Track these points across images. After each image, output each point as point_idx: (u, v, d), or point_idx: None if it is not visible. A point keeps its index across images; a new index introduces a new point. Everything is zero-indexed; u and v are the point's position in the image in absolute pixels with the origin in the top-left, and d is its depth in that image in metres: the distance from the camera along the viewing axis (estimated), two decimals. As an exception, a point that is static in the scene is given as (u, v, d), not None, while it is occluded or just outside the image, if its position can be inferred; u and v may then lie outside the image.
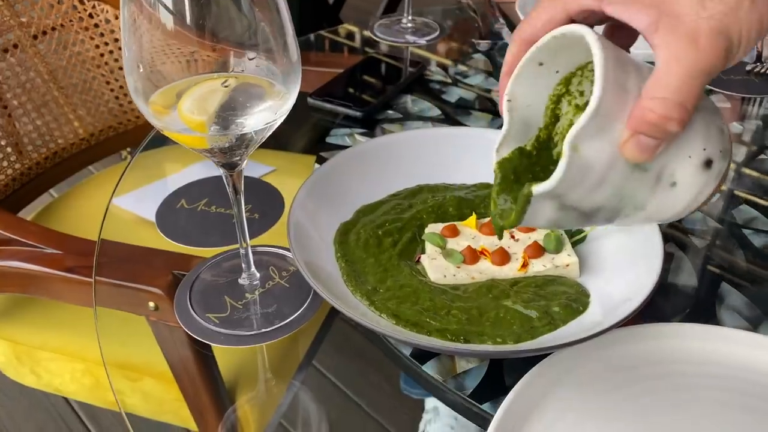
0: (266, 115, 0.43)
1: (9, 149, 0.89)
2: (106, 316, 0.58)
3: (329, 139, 0.74)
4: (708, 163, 0.38)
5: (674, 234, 0.60)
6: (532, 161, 0.42)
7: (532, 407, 0.41)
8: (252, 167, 0.71)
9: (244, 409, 0.50)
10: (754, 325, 0.51)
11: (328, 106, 0.78)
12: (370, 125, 0.77)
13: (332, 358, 0.52)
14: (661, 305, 0.53)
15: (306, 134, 0.78)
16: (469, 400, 0.45)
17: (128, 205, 0.67)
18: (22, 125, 0.92)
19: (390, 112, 0.79)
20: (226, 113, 0.43)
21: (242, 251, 0.51)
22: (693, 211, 0.40)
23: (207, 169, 0.68)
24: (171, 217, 0.62)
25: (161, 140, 0.74)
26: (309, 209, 0.54)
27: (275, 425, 0.48)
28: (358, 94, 0.80)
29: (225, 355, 0.51)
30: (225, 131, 0.42)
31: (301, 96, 0.79)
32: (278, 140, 0.76)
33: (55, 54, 0.93)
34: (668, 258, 0.57)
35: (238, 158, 0.45)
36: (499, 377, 0.47)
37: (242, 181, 0.47)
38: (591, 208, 0.38)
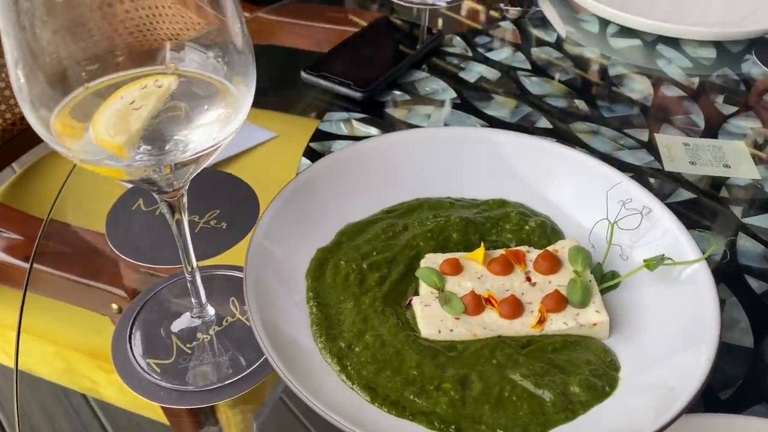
0: (212, 129, 0.33)
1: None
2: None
3: (322, 126, 0.63)
4: None
5: (725, 272, 0.49)
6: None
7: None
8: (251, 132, 0.61)
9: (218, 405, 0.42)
10: (824, 409, 0.41)
11: (325, 83, 0.67)
12: (372, 108, 0.65)
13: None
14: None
15: (290, 111, 0.67)
16: (459, 497, 0.36)
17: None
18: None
19: (397, 92, 0.68)
20: (155, 129, 0.32)
21: (189, 279, 0.41)
22: None
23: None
24: (124, 223, 0.52)
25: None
26: (280, 231, 0.44)
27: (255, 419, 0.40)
28: (361, 70, 0.68)
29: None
30: (153, 156, 0.32)
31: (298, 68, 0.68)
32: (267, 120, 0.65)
33: None
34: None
35: (177, 186, 0.35)
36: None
37: (185, 199, 0.37)
38: None
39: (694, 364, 0.36)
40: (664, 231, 0.44)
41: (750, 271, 0.50)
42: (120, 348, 0.43)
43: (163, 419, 0.57)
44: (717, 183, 0.58)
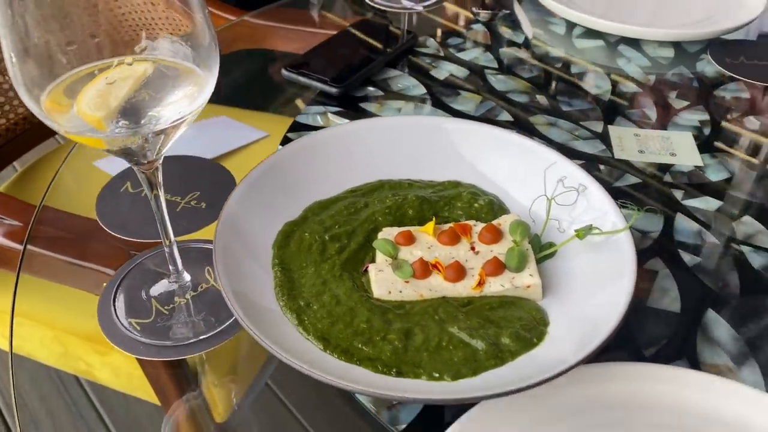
0: (181, 105, 0.38)
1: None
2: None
3: (300, 118, 0.68)
4: None
5: (663, 249, 0.54)
6: None
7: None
8: (243, 131, 0.66)
9: (208, 389, 0.47)
10: (736, 364, 0.45)
11: (303, 80, 0.72)
12: (347, 103, 0.71)
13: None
14: (635, 333, 0.47)
15: (277, 111, 0.72)
16: (402, 436, 0.41)
17: (108, 167, 0.62)
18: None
19: (371, 88, 0.73)
20: (131, 106, 0.37)
21: (167, 250, 0.46)
22: None
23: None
24: (112, 203, 0.57)
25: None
26: (250, 206, 0.49)
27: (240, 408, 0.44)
28: (338, 68, 0.73)
29: (219, 363, 0.47)
30: (130, 128, 0.37)
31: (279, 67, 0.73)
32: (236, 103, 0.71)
33: None
34: (651, 277, 0.51)
35: (151, 158, 0.39)
36: (439, 412, 0.42)
37: (159, 176, 0.42)
38: None
39: (612, 312, 0.40)
40: (596, 206, 0.48)
41: (684, 246, 0.54)
42: (105, 310, 0.48)
43: (155, 400, 0.61)
44: (662, 169, 0.62)
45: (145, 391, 0.73)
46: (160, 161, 0.41)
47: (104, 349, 0.72)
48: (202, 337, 0.45)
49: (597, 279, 0.44)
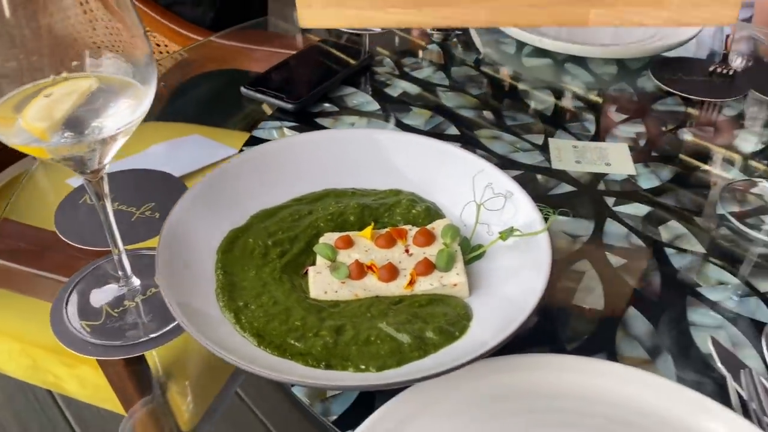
0: (122, 116, 0.41)
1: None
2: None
3: (256, 132, 0.71)
4: None
5: (591, 250, 0.57)
6: None
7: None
8: (213, 149, 0.69)
9: (174, 399, 0.49)
10: (651, 357, 0.48)
11: (261, 96, 0.75)
12: (303, 119, 0.74)
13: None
14: (558, 329, 0.50)
15: (236, 126, 0.75)
16: (333, 427, 0.43)
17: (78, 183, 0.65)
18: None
19: (326, 105, 0.76)
20: (76, 119, 0.40)
21: (116, 257, 0.49)
22: None
23: (128, 163, 0.66)
24: (71, 214, 0.60)
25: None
26: (197, 213, 0.52)
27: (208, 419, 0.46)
28: (295, 86, 0.77)
29: (168, 362, 0.49)
30: (74, 138, 0.40)
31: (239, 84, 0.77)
32: (202, 121, 0.74)
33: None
34: (578, 277, 0.55)
35: (94, 167, 0.42)
36: (370, 403, 0.45)
37: (105, 188, 0.45)
38: None
39: (529, 302, 0.43)
40: (521, 211, 0.52)
41: (612, 249, 0.58)
42: (57, 313, 0.50)
43: (122, 411, 0.63)
44: (597, 178, 0.66)
45: (113, 403, 0.75)
46: (105, 171, 0.44)
47: (71, 361, 0.74)
48: (150, 337, 0.48)
49: (518, 275, 0.48)
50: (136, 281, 0.51)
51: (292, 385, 0.45)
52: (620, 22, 0.66)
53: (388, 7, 0.66)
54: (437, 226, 0.52)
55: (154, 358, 0.49)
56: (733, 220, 0.61)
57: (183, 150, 0.69)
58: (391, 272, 0.49)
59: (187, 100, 0.82)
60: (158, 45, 1.21)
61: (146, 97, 0.41)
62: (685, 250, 0.58)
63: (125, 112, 0.41)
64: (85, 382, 0.75)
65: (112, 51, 0.41)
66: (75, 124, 0.40)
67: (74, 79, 0.41)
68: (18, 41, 0.38)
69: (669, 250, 0.58)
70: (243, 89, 0.76)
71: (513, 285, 0.47)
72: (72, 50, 0.41)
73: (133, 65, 0.41)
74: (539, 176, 0.66)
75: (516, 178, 0.54)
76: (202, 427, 0.45)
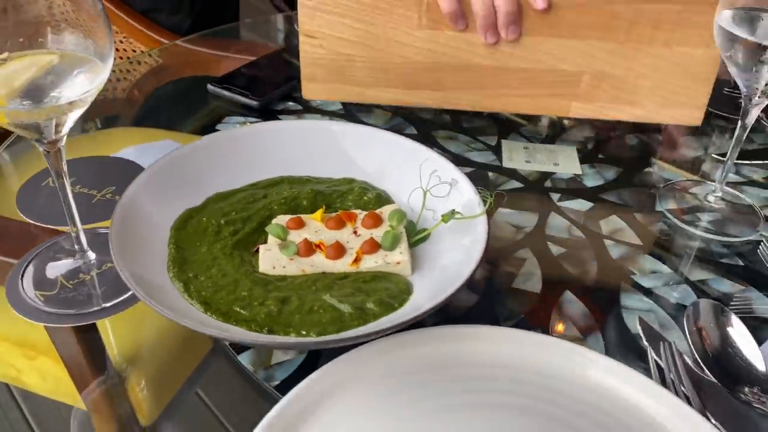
0: (79, 87, 0.43)
1: None
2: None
3: (219, 127, 0.74)
4: None
5: (533, 240, 0.60)
6: None
7: (312, 407, 0.41)
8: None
9: (134, 392, 0.50)
10: (583, 334, 0.51)
11: (227, 93, 0.78)
12: (267, 116, 0.76)
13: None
14: (496, 309, 0.53)
15: (199, 120, 0.78)
16: (275, 391, 0.45)
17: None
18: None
19: (290, 103, 0.79)
20: (36, 88, 0.43)
21: (73, 235, 0.51)
22: None
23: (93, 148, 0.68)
24: (33, 195, 0.61)
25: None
26: (152, 192, 0.54)
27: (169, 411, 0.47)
28: (261, 84, 0.80)
29: (122, 336, 0.50)
30: (33, 105, 0.42)
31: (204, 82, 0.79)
32: (173, 125, 0.76)
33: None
34: (519, 264, 0.57)
35: (51, 137, 0.45)
36: (312, 371, 0.46)
37: (63, 163, 0.47)
38: None
39: (462, 274, 0.46)
40: (464, 197, 0.55)
41: (554, 239, 0.61)
42: (13, 284, 0.52)
43: (83, 406, 0.64)
44: (544, 176, 0.69)
45: (73, 397, 0.76)
46: (62, 143, 0.46)
47: (32, 353, 0.75)
48: (102, 306, 0.50)
49: (457, 254, 0.50)
50: (92, 255, 0.53)
51: (238, 353, 0.47)
52: (597, 116, 0.72)
53: (385, 87, 0.72)
54: (385, 211, 0.55)
55: (109, 335, 0.50)
56: (670, 216, 0.64)
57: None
58: (338, 250, 0.51)
59: (159, 106, 0.84)
60: (134, 51, 1.24)
61: (103, 71, 0.44)
62: (623, 242, 0.61)
63: (83, 83, 0.43)
64: (45, 374, 0.76)
65: (74, 28, 0.43)
66: (34, 93, 0.43)
67: (36, 55, 0.43)
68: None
69: (608, 242, 0.61)
70: (209, 86, 0.79)
71: (451, 261, 0.50)
72: (35, 27, 0.43)
73: (93, 42, 0.43)
74: (490, 173, 0.69)
75: (468, 175, 0.56)
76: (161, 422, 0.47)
